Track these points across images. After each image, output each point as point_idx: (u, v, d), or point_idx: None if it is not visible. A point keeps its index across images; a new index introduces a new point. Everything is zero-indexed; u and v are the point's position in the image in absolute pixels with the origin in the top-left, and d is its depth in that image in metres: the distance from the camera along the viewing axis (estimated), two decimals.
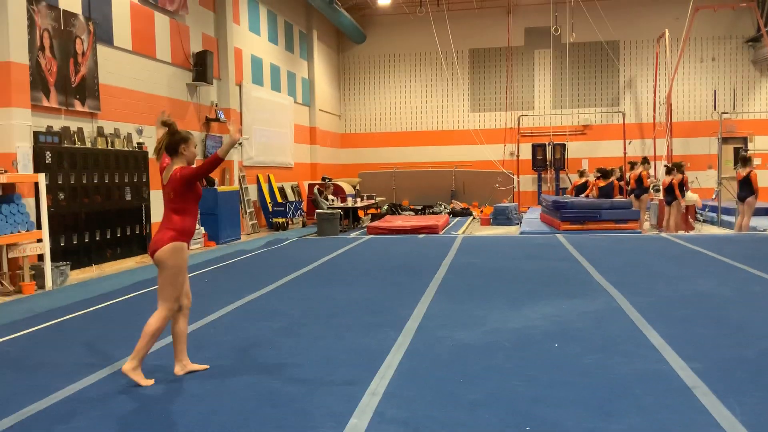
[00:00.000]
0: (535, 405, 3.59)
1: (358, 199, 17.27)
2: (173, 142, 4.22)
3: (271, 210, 16.07)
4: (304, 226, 16.89)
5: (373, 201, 17.92)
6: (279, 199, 16.63)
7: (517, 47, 22.47)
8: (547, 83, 22.43)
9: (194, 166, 4.27)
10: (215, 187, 13.32)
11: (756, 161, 19.12)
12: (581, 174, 16.77)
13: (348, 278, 8.15)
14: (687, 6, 18.05)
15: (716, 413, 3.41)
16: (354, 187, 20.24)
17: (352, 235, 14.08)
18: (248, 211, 15.08)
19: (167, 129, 4.24)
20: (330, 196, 16.58)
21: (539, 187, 21.87)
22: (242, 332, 5.44)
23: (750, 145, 20.19)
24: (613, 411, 3.48)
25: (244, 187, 15.01)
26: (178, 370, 4.28)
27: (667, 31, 18.78)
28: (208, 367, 4.39)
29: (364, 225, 15.82)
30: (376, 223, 14.76)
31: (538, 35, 21.90)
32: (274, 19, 17.84)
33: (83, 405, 3.78)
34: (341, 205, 16.23)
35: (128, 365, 4.10)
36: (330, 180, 18.38)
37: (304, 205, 17.60)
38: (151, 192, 11.20)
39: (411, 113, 23.33)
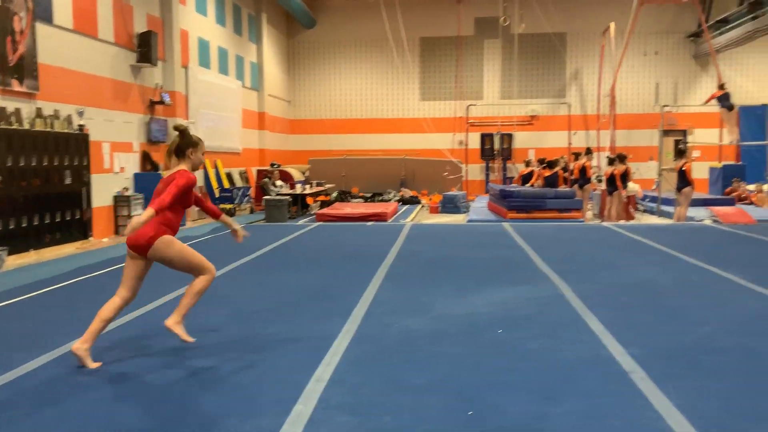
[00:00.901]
0: (479, 390, 3.64)
1: (307, 186, 17.16)
2: (182, 144, 4.35)
3: (217, 196, 15.82)
4: (252, 212, 16.69)
5: (322, 188, 17.84)
6: (226, 185, 16.38)
7: (467, 37, 22.63)
8: (495, 73, 22.68)
9: (193, 176, 4.27)
10: (159, 172, 13.02)
11: (695, 153, 19.80)
12: (527, 164, 17.05)
13: (296, 265, 8.11)
14: (632, 0, 18.47)
15: (653, 398, 3.52)
16: (303, 174, 20.10)
17: (301, 222, 13.99)
18: None
19: (178, 132, 4.40)
20: (278, 182, 16.42)
21: (487, 176, 22.16)
22: (188, 319, 5.34)
23: (690, 138, 20.84)
24: (555, 395, 3.56)
25: None
26: (169, 322, 4.29)
27: (612, 24, 19.19)
28: (193, 340, 4.39)
29: (313, 212, 15.74)
30: (324, 210, 14.70)
31: (488, 25, 22.10)
32: (222, 1, 17.49)
33: (22, 393, 3.65)
34: (290, 191, 16.10)
35: (172, 320, 4.28)
36: (279, 166, 18.20)
37: (252, 191, 17.39)
38: (92, 176, 10.88)
39: (361, 100, 23.28)
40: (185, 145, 4.34)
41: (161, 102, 13.47)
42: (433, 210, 16.82)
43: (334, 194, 19.17)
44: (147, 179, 12.44)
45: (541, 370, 3.99)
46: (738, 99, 21.25)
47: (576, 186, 14.68)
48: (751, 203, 16.35)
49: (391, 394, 3.60)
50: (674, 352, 4.36)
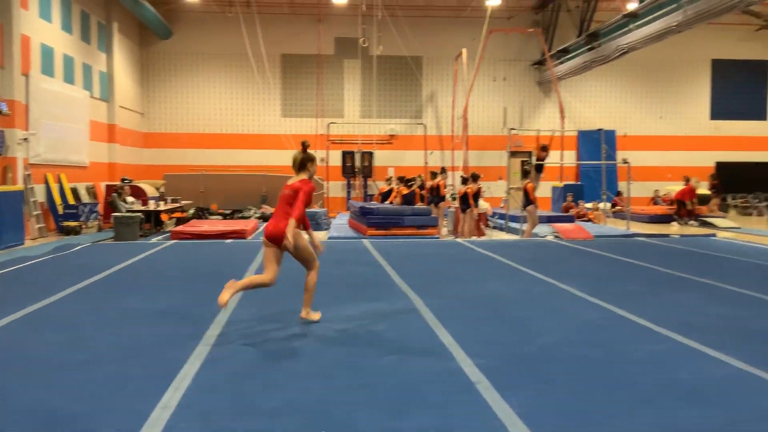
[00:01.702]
0: (332, 408, 3.65)
1: (161, 202, 16.47)
2: (304, 158, 5.61)
3: (61, 213, 14.77)
4: (100, 230, 15.73)
5: (178, 204, 17.19)
6: (71, 201, 15.35)
7: (328, 56, 22.86)
8: (356, 92, 23.06)
9: (312, 183, 5.61)
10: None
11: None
12: (389, 181, 17.45)
13: (146, 286, 7.73)
14: (482, 28, 19.53)
15: (496, 407, 3.69)
16: (158, 190, 19.27)
17: (154, 240, 13.38)
18: (34, 213, 13.74)
19: (302, 147, 5.64)
20: (129, 198, 15.63)
21: (348, 193, 22.40)
22: (21, 346, 4.93)
23: (534, 159, 22.29)
24: (405, 410, 3.64)
25: (29, 186, 13.66)
26: (303, 314, 5.73)
27: (464, 50, 20.17)
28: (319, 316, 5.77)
29: (168, 229, 15.11)
30: (180, 228, 14.17)
31: (348, 45, 22.47)
32: (68, 7, 16.49)
33: None
34: (142, 208, 15.36)
35: (304, 312, 5.72)
36: (130, 181, 17.33)
37: (100, 208, 16.41)
38: None
39: (221, 115, 22.77)
40: (306, 159, 5.61)
41: None
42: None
43: (191, 211, 18.55)
44: None
45: (393, 385, 4.06)
46: (577, 124, 23.07)
47: (432, 204, 15.21)
48: (589, 220, 17.74)
49: (243, 418, 3.52)
50: (517, 361, 4.61)
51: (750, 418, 3.55)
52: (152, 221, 15.16)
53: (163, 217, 15.92)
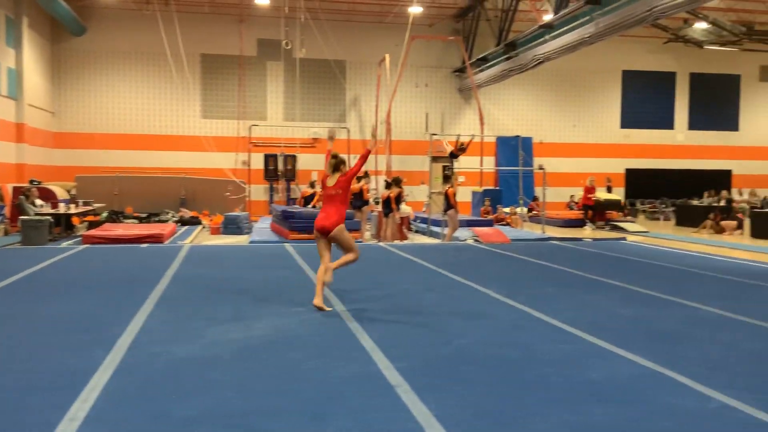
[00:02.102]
0: (250, 416, 3.58)
1: (73, 205, 15.78)
2: (337, 164, 6.80)
3: None
4: (6, 234, 14.91)
5: (90, 207, 16.52)
6: None
7: (250, 57, 22.54)
8: (279, 95, 22.83)
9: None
10: None
11: (461, 178, 21.58)
12: (311, 185, 17.35)
13: (55, 292, 7.38)
14: (405, 34, 19.74)
15: (414, 409, 3.73)
16: (69, 192, 18.46)
17: (65, 244, 12.81)
18: None
19: (334, 158, 6.84)
20: (38, 201, 14.91)
21: (271, 196, 22.13)
22: None
23: (456, 164, 22.70)
24: (325, 415, 3.62)
25: None
26: (317, 302, 6.39)
27: (387, 56, 20.32)
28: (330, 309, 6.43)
29: (80, 233, 14.49)
30: (93, 232, 13.62)
31: (271, 47, 22.23)
32: None
33: None
34: (52, 210, 14.68)
35: (319, 300, 6.44)
36: (39, 183, 16.53)
37: (7, 211, 15.57)
38: None
39: (137, 115, 22.04)
40: (340, 163, 6.80)
41: None
42: (215, 231, 16.39)
43: (105, 214, 17.85)
44: None
45: (312, 391, 4.03)
46: (496, 130, 23.65)
47: (355, 208, 15.20)
48: (507, 224, 18.21)
49: (156, 428, 3.41)
50: (436, 363, 4.67)
51: (656, 415, 3.72)
52: (63, 225, 14.51)
53: (75, 220, 15.27)
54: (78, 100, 21.72)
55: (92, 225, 15.95)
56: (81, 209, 15.83)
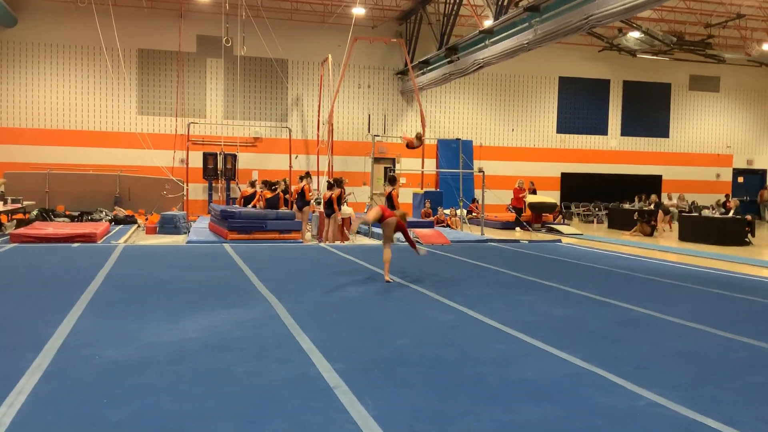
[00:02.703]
0: (182, 420, 3.52)
1: (0, 203, 15.13)
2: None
3: None
4: None
5: (19, 205, 15.87)
6: None
7: (189, 53, 22.09)
8: (219, 93, 22.46)
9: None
10: None
11: (402, 180, 21.70)
12: (251, 184, 17.13)
13: None
14: (348, 35, 19.73)
15: (352, 410, 3.73)
16: None
17: None
18: None
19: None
20: None
21: (210, 196, 21.73)
22: None
23: (398, 166, 22.83)
24: (260, 418, 3.58)
25: None
26: (387, 278, 8.53)
27: (330, 56, 20.26)
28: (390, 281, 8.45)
29: (7, 232, 13.91)
30: (21, 230, 13.09)
31: (211, 44, 21.84)
32: None
33: None
34: None
35: (387, 277, 8.53)
36: None
37: None
38: None
39: (71, 110, 21.29)
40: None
41: None
42: (150, 230, 15.99)
43: (34, 212, 17.18)
44: None
45: (249, 393, 3.99)
46: (437, 133, 23.89)
47: (296, 208, 15.11)
48: (447, 226, 18.41)
49: None
50: (374, 364, 4.69)
51: (588, 413, 3.83)
52: None
53: (2, 218, 14.66)
54: (7, 94, 20.84)
55: (21, 223, 15.34)
56: (9, 207, 15.20)
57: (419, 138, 16.46)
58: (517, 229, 19.16)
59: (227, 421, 3.52)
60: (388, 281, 8.44)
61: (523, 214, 20.03)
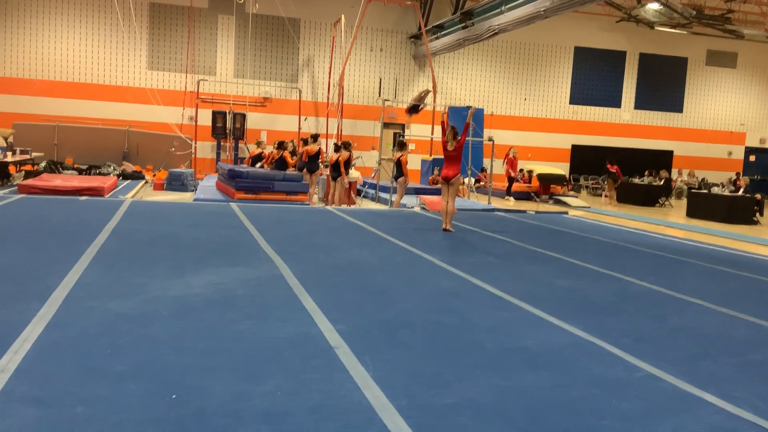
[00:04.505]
0: (185, 373, 3.56)
1: (9, 153, 15.18)
2: (455, 133, 10.14)
3: None
4: None
5: (28, 156, 15.92)
6: None
7: (201, 9, 21.86)
8: (229, 50, 22.27)
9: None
10: None
11: (411, 146, 21.61)
12: (259, 144, 17.09)
13: None
14: None
15: (352, 370, 3.77)
16: (6, 139, 17.72)
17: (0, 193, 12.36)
18: None
19: (453, 128, 10.16)
20: None
21: (218, 154, 21.72)
22: None
23: (407, 132, 22.69)
24: (261, 374, 3.63)
25: None
26: (445, 226, 10.10)
27: (343, 17, 20.01)
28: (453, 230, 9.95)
29: (16, 183, 13.98)
30: (30, 181, 13.16)
31: (222, 0, 21.60)
32: None
33: None
34: None
35: (448, 226, 10.16)
36: None
37: None
38: None
39: (81, 62, 21.18)
40: (456, 132, 10.13)
41: None
42: (158, 187, 16.05)
43: (43, 164, 17.25)
44: None
45: (251, 350, 4.03)
46: (448, 100, 23.69)
47: (305, 170, 15.08)
48: None
49: (87, 383, 3.35)
50: (375, 326, 4.72)
51: (585, 382, 3.86)
52: None
53: (11, 169, 14.72)
54: (18, 44, 20.73)
55: (29, 174, 15.42)
56: (18, 158, 15.25)
57: (423, 97, 16.41)
58: (509, 198, 19.26)
59: (229, 375, 3.57)
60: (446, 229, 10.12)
61: (531, 185, 19.97)
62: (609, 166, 20.68)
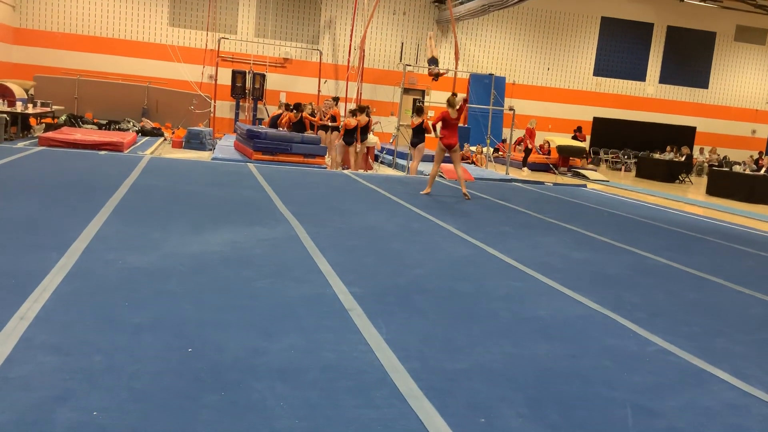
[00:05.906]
0: (201, 328, 3.61)
1: (30, 105, 15.25)
2: (456, 101, 10.29)
3: None
4: None
5: (48, 109, 15.99)
6: None
7: None
8: (251, 9, 22.08)
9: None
10: None
11: (430, 113, 21.45)
12: (280, 106, 17.03)
13: (7, 192, 7.21)
14: None
15: (365, 332, 3.81)
16: (27, 92, 17.80)
17: (20, 144, 12.44)
18: None
19: (455, 96, 10.47)
20: None
21: (237, 114, 21.70)
22: None
23: (427, 98, 22.50)
24: (276, 332, 3.67)
25: None
26: (465, 191, 10.38)
27: None
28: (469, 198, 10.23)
29: (36, 135, 14.08)
30: (50, 134, 13.24)
31: None
32: None
33: None
34: (8, 109, 14.17)
35: (465, 189, 10.43)
36: None
37: None
38: None
39: (101, 17, 21.12)
40: (458, 100, 10.49)
41: None
42: (176, 144, 16.10)
43: (63, 117, 17.34)
44: None
45: (266, 308, 4.07)
46: (470, 67, 23.40)
47: (322, 132, 15.03)
48: (472, 162, 18.28)
49: (105, 332, 3.41)
50: (389, 291, 4.75)
51: (596, 354, 3.87)
52: (19, 125, 14.06)
53: (32, 121, 14.81)
54: None
55: (50, 127, 15.51)
56: (39, 110, 15.33)
57: (434, 61, 16.29)
58: (524, 168, 19.23)
59: (244, 331, 3.62)
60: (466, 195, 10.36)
61: (550, 157, 19.81)
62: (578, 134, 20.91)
